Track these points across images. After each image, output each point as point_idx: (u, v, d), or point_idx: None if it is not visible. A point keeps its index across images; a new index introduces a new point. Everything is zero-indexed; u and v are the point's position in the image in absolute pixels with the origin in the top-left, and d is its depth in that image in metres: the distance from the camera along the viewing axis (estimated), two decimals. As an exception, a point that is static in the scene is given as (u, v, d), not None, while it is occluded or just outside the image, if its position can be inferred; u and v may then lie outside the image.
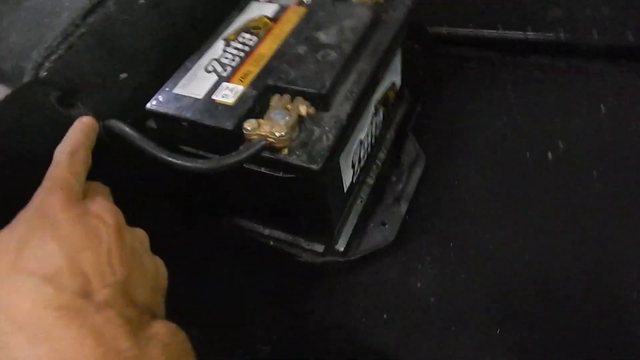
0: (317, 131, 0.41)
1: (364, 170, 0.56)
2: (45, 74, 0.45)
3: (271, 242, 0.56)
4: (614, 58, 0.63)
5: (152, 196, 0.54)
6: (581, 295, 0.47)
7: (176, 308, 0.39)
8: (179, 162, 0.37)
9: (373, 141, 0.56)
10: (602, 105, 0.59)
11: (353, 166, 0.51)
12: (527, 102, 0.63)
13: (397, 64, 0.57)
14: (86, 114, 0.43)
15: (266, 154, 0.39)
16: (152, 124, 0.46)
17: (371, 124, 0.53)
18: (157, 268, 0.35)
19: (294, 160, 0.39)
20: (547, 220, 0.52)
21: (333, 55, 0.44)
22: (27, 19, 0.52)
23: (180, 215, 0.59)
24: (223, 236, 0.60)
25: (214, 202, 0.57)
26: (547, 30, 0.65)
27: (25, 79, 0.46)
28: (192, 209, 0.59)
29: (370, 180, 0.58)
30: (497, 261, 0.51)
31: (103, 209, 0.31)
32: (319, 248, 0.53)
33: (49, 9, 0.51)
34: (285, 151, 0.39)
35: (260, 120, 0.39)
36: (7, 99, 0.39)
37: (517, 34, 0.66)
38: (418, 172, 0.58)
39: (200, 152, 0.46)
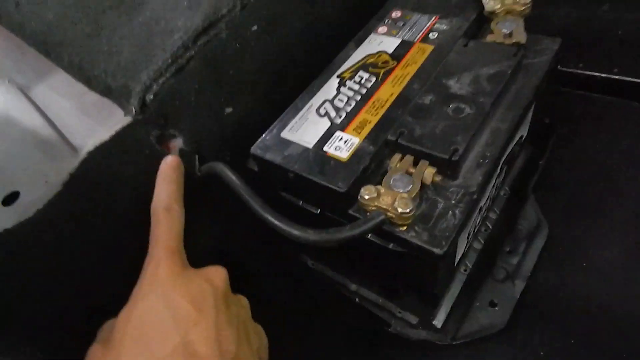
0: (441, 204, 0.35)
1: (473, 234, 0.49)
2: (151, 99, 0.43)
3: (357, 300, 0.50)
4: None
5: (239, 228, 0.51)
6: None
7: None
8: (285, 227, 0.32)
9: (490, 203, 0.49)
10: None
11: (468, 236, 0.44)
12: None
13: (529, 115, 0.49)
14: (184, 147, 0.41)
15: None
16: (253, 165, 0.42)
17: (493, 186, 0.45)
18: (260, 338, 0.34)
19: (412, 238, 0.33)
20: None
21: (467, 111, 0.38)
22: (139, 35, 0.50)
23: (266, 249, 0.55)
24: (305, 279, 0.55)
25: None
26: None
27: (133, 103, 0.44)
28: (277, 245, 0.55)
29: (478, 245, 0.50)
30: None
31: (212, 271, 0.32)
32: (413, 319, 0.47)
33: (162, 26, 0.49)
34: (404, 227, 0.34)
35: (379, 188, 0.34)
36: (110, 140, 0.38)
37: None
38: (539, 244, 0.49)
39: (301, 203, 0.41)
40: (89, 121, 0.51)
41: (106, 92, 0.49)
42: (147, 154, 0.39)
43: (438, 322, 0.46)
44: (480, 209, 0.44)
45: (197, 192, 0.40)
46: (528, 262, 0.48)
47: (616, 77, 0.59)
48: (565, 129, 0.59)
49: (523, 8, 0.45)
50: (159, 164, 0.39)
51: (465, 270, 0.49)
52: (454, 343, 0.44)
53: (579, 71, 0.61)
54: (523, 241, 0.50)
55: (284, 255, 0.56)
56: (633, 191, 0.52)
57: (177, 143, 0.42)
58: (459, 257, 0.44)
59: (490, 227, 0.52)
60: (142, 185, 0.39)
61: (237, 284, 0.35)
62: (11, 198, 0.38)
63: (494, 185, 0.47)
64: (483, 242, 0.51)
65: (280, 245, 0.55)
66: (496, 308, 0.46)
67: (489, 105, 0.38)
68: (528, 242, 0.50)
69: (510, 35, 0.44)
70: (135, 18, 0.52)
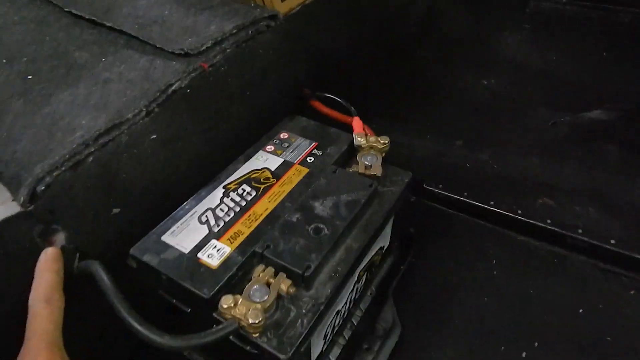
0: (293, 313, 0.41)
1: (337, 332, 0.55)
2: (42, 190, 0.45)
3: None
4: (596, 257, 0.64)
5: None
6: None
7: None
8: (145, 332, 0.36)
9: (351, 305, 0.56)
10: (581, 307, 0.59)
11: (325, 336, 0.49)
12: (510, 284, 0.64)
13: (387, 230, 0.58)
14: (65, 244, 0.43)
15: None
16: (132, 263, 0.45)
17: (352, 290, 0.53)
18: None
19: (263, 343, 0.38)
20: None
21: (325, 232, 0.45)
22: (41, 127, 0.53)
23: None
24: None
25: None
26: (535, 216, 0.68)
27: (22, 193, 0.46)
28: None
29: (342, 341, 0.56)
30: None
31: None
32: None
33: (65, 122, 0.53)
34: (257, 333, 0.39)
35: (238, 297, 0.39)
36: None
37: (508, 214, 0.69)
38: (391, 344, 0.56)
39: (174, 302, 0.45)
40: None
41: (-2, 177, 0.51)
42: (27, 248, 0.41)
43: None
44: (339, 312, 0.51)
45: (74, 289, 0.42)
46: (381, 359, 0.55)
47: (465, 199, 0.72)
48: (425, 239, 0.70)
49: (382, 146, 0.56)
50: (37, 258, 0.41)
51: (327, 366, 0.54)
52: None
53: (438, 191, 0.74)
54: (379, 340, 0.57)
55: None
56: (470, 305, 0.62)
57: (60, 238, 0.44)
58: (315, 355, 0.49)
59: (355, 324, 0.59)
60: (18, 281, 0.40)
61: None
62: None
63: (354, 290, 0.54)
64: (347, 338, 0.57)
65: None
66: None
67: (342, 228, 0.46)
68: (383, 341, 0.57)
69: (369, 167, 0.54)
70: (41, 110, 0.55)
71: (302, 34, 0.70)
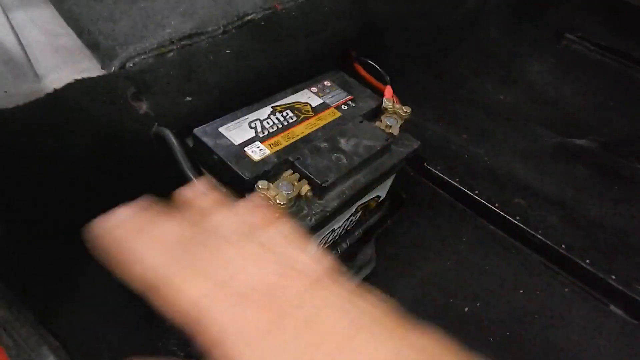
0: (305, 210, 0.53)
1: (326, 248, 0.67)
2: (130, 66, 0.56)
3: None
4: (546, 256, 0.77)
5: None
6: None
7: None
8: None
9: (342, 232, 0.67)
10: (522, 289, 0.72)
11: (318, 246, 0.61)
12: (471, 258, 0.76)
13: (387, 183, 0.70)
14: (148, 112, 0.54)
15: (263, 210, 0.50)
16: (190, 142, 0.57)
17: (347, 219, 0.65)
18: None
19: (280, 224, 0.50)
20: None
21: (344, 161, 0.57)
22: (137, 17, 0.64)
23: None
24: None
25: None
26: (508, 211, 0.80)
27: (115, 63, 0.57)
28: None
29: (326, 260, 0.68)
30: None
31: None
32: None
33: (158, 19, 0.64)
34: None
35: (270, 184, 0.50)
36: (94, 80, 0.50)
37: (486, 205, 0.81)
38: (364, 273, 0.69)
39: (214, 181, 0.56)
40: (57, 59, 0.62)
41: (93, 46, 0.62)
42: (119, 104, 0.52)
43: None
44: (334, 231, 0.63)
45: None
46: (352, 283, 0.67)
47: (454, 183, 0.84)
48: (414, 207, 0.82)
49: (404, 114, 0.67)
50: (124, 115, 0.52)
51: (310, 274, 0.66)
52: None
53: (436, 171, 0.86)
54: (354, 268, 0.69)
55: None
56: (437, 261, 0.74)
57: (144, 106, 0.55)
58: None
59: (339, 252, 0.71)
60: (104, 128, 0.51)
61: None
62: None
63: (349, 220, 0.66)
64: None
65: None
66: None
67: (358, 163, 0.57)
68: (358, 270, 0.69)
69: (390, 127, 0.65)
70: (138, 4, 0.65)
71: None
